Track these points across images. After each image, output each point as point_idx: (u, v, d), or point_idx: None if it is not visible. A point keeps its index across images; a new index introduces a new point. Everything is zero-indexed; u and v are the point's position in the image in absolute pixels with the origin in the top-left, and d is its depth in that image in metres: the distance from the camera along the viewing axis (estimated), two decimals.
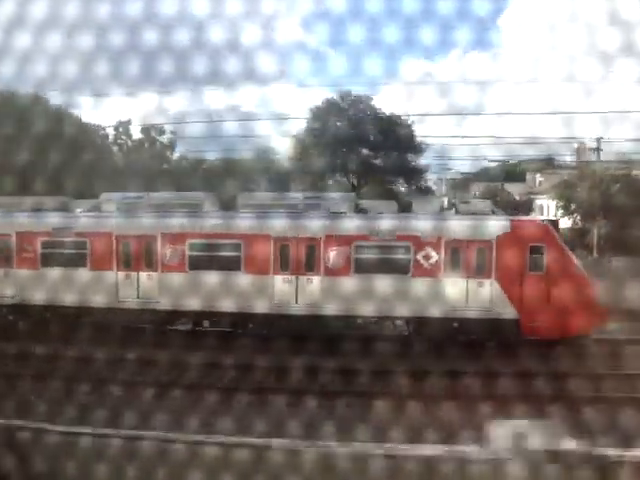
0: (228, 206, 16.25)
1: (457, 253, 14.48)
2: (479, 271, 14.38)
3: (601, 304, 14.40)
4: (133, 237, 15.45)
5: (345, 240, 14.74)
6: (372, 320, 15.33)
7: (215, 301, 14.68)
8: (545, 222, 15.62)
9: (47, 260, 15.59)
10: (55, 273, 15.31)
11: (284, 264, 14.88)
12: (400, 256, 14.64)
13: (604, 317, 14.45)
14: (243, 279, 14.84)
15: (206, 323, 15.56)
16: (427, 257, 14.51)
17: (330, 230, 14.84)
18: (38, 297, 15.17)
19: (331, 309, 14.61)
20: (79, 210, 16.38)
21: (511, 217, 15.52)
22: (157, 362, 12.84)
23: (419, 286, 14.35)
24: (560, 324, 13.60)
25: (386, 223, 14.78)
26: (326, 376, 12.34)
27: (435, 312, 14.21)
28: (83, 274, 15.33)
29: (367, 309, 14.46)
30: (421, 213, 15.33)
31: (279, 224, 15.05)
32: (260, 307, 14.73)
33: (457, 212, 15.41)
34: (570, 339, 13.93)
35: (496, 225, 14.61)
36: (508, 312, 14.21)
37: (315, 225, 14.89)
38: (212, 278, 14.74)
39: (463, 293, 14.37)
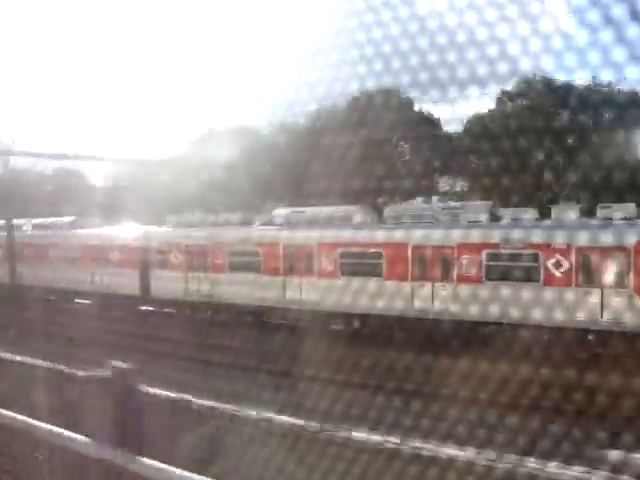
0: (376, 218, 18.08)
1: (588, 261, 14.33)
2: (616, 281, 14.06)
3: None
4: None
5: (476, 248, 15.55)
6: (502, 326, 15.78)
7: None
8: None
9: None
10: None
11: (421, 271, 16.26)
12: (529, 264, 14.96)
13: None
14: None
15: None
16: (557, 265, 14.63)
17: (464, 238, 15.75)
18: None
19: (462, 314, 15.56)
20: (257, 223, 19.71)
21: None
22: None
23: (551, 295, 14.56)
24: None
25: (517, 232, 15.20)
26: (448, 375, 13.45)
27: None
28: None
29: (498, 315, 15.10)
30: (559, 220, 15.37)
31: (419, 234, 16.41)
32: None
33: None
34: None
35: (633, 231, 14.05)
36: None
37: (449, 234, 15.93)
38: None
39: (597, 304, 14.20)
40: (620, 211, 14.85)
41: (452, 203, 16.99)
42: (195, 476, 3.51)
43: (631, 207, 14.98)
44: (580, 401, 11.59)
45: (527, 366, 12.94)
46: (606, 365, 13.49)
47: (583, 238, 14.46)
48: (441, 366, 13.33)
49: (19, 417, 4.84)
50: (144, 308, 21.52)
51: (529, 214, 15.98)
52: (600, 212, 15.07)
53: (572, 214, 15.43)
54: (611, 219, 14.64)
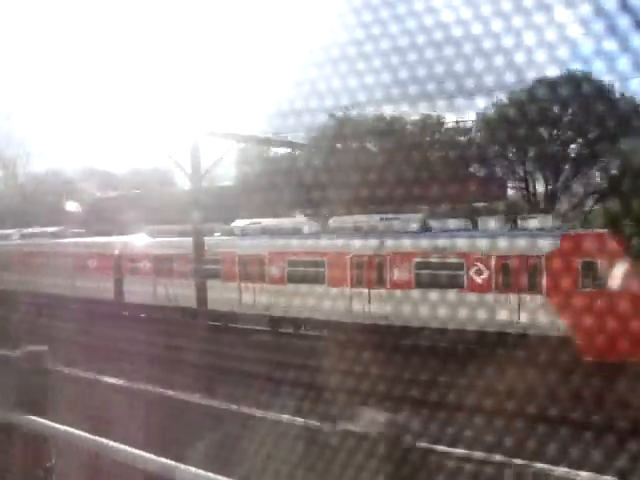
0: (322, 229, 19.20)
1: (506, 268, 15.27)
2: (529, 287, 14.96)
3: None
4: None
5: (407, 257, 16.57)
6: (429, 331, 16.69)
7: None
8: (601, 234, 15.25)
9: None
10: None
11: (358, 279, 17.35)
12: (454, 272, 15.94)
13: None
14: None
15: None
16: (478, 272, 15.59)
17: (396, 248, 16.80)
18: None
19: (396, 319, 16.59)
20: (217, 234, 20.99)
21: (565, 232, 15.41)
22: None
23: (473, 300, 15.51)
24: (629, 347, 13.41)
25: (443, 241, 16.20)
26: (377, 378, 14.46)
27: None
28: None
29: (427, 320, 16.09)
30: (482, 230, 16.34)
31: (357, 244, 17.52)
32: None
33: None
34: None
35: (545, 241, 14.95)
36: (561, 329, 14.52)
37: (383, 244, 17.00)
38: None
39: (515, 308, 15.12)
40: (537, 222, 15.78)
41: (389, 215, 17.99)
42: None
43: (547, 218, 15.90)
44: (499, 399, 12.58)
45: (453, 367, 13.99)
46: (523, 365, 14.38)
47: (502, 247, 15.42)
48: (372, 367, 14.41)
49: None
50: (118, 312, 22.87)
51: (459, 224, 16.96)
52: (520, 223, 16.01)
53: (495, 224, 16.39)
54: (528, 229, 15.59)
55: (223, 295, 19.42)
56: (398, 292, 16.63)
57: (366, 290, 17.14)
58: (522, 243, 15.14)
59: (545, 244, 14.88)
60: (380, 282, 16.97)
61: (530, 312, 14.97)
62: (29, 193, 40.32)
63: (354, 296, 17.34)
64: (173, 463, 3.12)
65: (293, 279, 18.45)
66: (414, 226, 17.16)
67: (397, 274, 16.72)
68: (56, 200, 40.54)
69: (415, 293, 16.37)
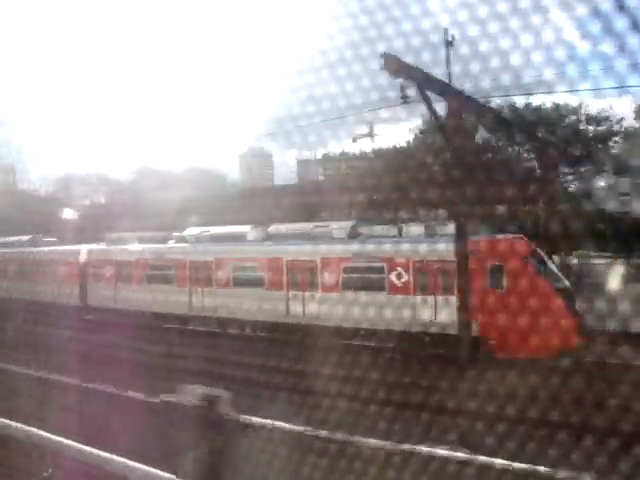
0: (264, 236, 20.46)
1: (424, 272, 16.50)
2: (444, 289, 16.18)
3: (577, 323, 14.96)
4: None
5: (335, 262, 17.83)
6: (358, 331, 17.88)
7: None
8: (513, 239, 16.45)
9: None
10: None
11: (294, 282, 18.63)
12: (377, 275, 17.17)
13: (581, 338, 14.83)
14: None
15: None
16: (399, 276, 16.83)
17: (326, 253, 18.06)
18: None
19: (327, 320, 17.81)
20: (172, 241, 22.31)
21: (479, 237, 16.54)
22: None
23: (395, 302, 16.74)
24: (524, 344, 14.63)
25: (367, 247, 17.45)
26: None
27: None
28: None
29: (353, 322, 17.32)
30: (404, 237, 17.59)
31: (291, 250, 18.80)
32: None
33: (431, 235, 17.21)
34: (541, 359, 14.68)
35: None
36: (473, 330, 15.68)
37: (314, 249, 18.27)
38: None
39: (431, 310, 16.35)
40: (449, 228, 16.99)
41: (322, 222, 19.26)
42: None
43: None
44: (419, 397, 13.74)
45: (379, 366, 15.19)
46: (442, 363, 15.54)
47: (419, 252, 16.64)
48: (306, 366, 15.64)
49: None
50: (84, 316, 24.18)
51: (386, 231, 18.19)
52: (438, 229, 17.22)
53: (417, 231, 17.61)
54: (444, 235, 16.79)
55: (176, 298, 20.77)
56: (328, 295, 17.88)
57: (301, 293, 18.40)
58: (436, 248, 16.37)
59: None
60: (312, 285, 18.23)
61: (445, 312, 16.20)
62: (30, 199, 41.55)
63: (290, 299, 18.60)
64: (172, 477, 3.10)
65: (237, 283, 19.74)
66: (343, 233, 18.41)
67: (327, 278, 17.99)
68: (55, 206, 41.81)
69: (343, 295, 17.62)
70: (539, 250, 16.48)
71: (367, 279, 17.32)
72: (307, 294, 18.30)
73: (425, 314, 16.44)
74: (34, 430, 4.19)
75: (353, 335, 17.40)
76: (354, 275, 17.57)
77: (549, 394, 12.28)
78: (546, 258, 16.44)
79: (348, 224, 18.85)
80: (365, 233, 18.34)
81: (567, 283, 16.03)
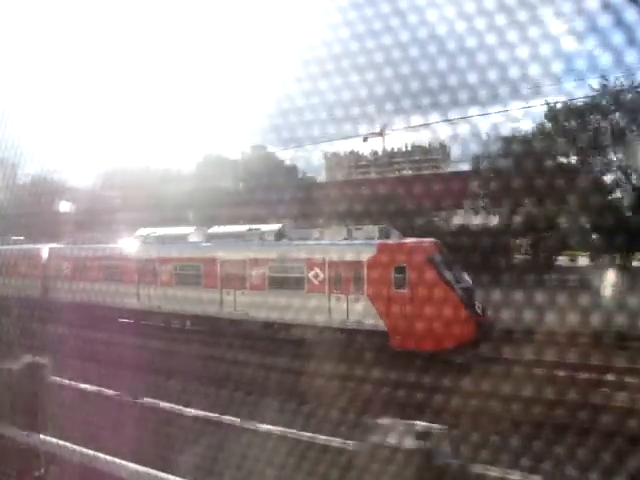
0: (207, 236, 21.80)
1: (338, 273, 17.74)
2: (355, 288, 17.42)
3: (474, 320, 16.17)
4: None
5: (262, 262, 19.13)
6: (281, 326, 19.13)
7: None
8: (413, 243, 17.64)
9: None
10: None
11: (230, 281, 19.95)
12: (297, 275, 18.44)
13: (476, 332, 16.07)
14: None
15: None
16: (316, 276, 18.08)
17: (255, 254, 19.36)
18: None
19: (255, 316, 19.14)
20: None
21: (381, 241, 17.74)
22: None
23: (312, 299, 18.00)
24: (425, 338, 15.89)
25: (289, 249, 18.74)
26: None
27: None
28: None
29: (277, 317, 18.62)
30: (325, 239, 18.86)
31: (224, 250, 20.14)
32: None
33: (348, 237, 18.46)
34: (443, 352, 15.94)
35: (370, 247, 17.40)
36: (379, 325, 16.98)
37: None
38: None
39: (344, 307, 17.61)
40: (364, 232, 18.25)
41: (254, 225, 20.55)
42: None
43: (373, 229, 18.35)
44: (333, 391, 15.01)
45: (295, 357, 16.49)
46: (354, 359, 16.79)
47: (333, 254, 17.89)
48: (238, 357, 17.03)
49: None
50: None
51: (309, 234, 19.45)
52: (354, 233, 18.47)
53: (337, 234, 18.85)
54: (358, 239, 18.03)
55: (126, 293, 22.19)
56: (255, 292, 19.20)
57: (232, 291, 19.72)
58: (349, 251, 17.62)
59: (366, 252, 17.34)
60: (242, 284, 19.55)
61: (356, 309, 17.45)
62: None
63: (223, 296, 19.93)
64: (161, 474, 3.23)
65: (178, 281, 21.10)
66: (272, 235, 19.70)
67: (254, 277, 19.29)
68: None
69: (268, 293, 18.92)
70: (445, 252, 17.69)
71: (288, 278, 18.60)
72: (237, 292, 19.63)
73: (338, 310, 17.69)
74: (26, 432, 4.42)
75: (278, 329, 18.75)
76: (277, 274, 18.86)
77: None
78: (451, 259, 17.59)
79: (276, 227, 20.13)
80: (290, 236, 19.59)
81: (470, 283, 17.18)
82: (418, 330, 15.90)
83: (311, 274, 18.15)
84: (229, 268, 19.90)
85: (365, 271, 17.25)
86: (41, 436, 4.24)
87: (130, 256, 22.42)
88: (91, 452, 3.92)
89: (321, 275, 18.00)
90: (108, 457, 3.84)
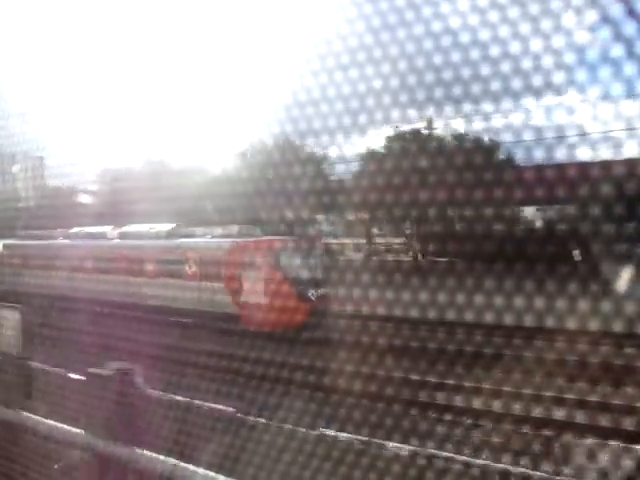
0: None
1: (203, 265, 21.49)
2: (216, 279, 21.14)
3: (305, 305, 19.69)
4: None
5: (153, 255, 23.05)
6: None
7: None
8: (259, 241, 21.20)
9: None
10: None
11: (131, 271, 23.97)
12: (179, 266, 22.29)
13: (306, 315, 19.57)
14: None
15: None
16: (190, 267, 21.88)
17: (149, 249, 23.32)
18: None
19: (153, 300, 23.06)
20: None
21: (235, 239, 21.38)
22: None
23: (188, 287, 21.80)
24: (267, 320, 19.49)
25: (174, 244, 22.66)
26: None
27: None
28: None
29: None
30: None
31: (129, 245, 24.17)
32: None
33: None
34: (282, 331, 19.47)
35: (225, 245, 21.09)
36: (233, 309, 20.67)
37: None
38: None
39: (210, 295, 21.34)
40: (228, 231, 21.96)
41: (154, 224, 24.51)
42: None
43: (235, 229, 22.03)
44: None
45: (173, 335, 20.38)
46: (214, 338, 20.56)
47: (202, 250, 21.65)
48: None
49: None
50: None
51: (193, 232, 23.26)
52: (223, 230, 22.24)
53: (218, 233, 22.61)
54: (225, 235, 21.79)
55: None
56: (149, 280, 23.14)
57: (133, 278, 23.72)
58: (213, 248, 21.39)
59: (224, 249, 21.04)
60: (141, 273, 23.51)
61: (218, 296, 21.15)
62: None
63: (129, 282, 23.94)
64: (174, 461, 3.33)
65: (97, 271, 25.25)
66: (164, 233, 23.62)
67: (149, 267, 23.23)
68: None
69: (160, 281, 22.81)
70: (295, 248, 21.23)
71: (172, 269, 22.47)
72: (138, 279, 23.62)
73: (205, 296, 21.44)
74: (46, 420, 4.48)
75: (165, 312, 22.67)
76: (164, 266, 22.77)
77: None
78: (299, 255, 21.09)
79: (170, 226, 24.01)
80: (178, 233, 23.47)
81: (306, 274, 20.65)
82: (260, 314, 19.51)
83: (186, 266, 21.97)
84: (133, 261, 23.93)
85: (223, 265, 20.93)
86: (136, 449, 4.04)
87: (59, 252, 26.72)
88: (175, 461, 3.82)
89: (194, 267, 21.79)
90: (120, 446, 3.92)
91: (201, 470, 3.69)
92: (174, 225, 24.23)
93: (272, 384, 13.88)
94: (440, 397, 13.59)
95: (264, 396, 13.59)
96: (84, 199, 32.03)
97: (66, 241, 27.36)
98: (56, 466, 4.67)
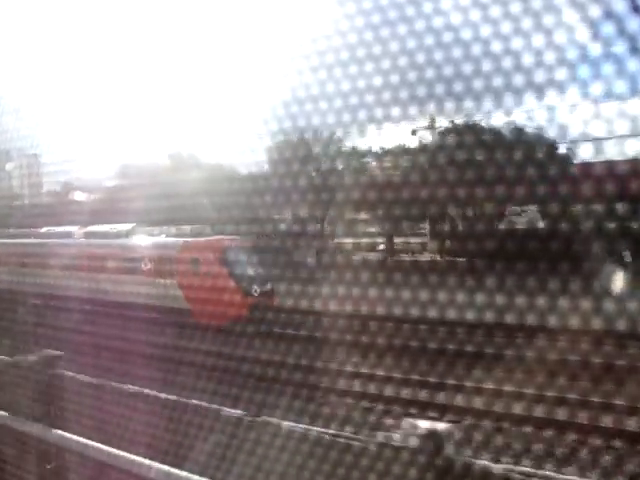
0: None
1: (157, 262, 23.21)
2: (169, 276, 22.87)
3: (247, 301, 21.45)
4: None
5: (115, 254, 24.77)
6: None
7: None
8: (207, 241, 22.93)
9: None
10: None
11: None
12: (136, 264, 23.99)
13: (250, 311, 21.35)
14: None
15: None
16: (146, 265, 23.59)
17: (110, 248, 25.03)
18: None
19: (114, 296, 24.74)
20: None
21: (188, 239, 23.11)
22: None
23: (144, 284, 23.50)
24: (213, 314, 21.25)
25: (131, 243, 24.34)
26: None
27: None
28: None
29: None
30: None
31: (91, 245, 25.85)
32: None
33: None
34: (229, 325, 21.27)
35: (177, 244, 22.83)
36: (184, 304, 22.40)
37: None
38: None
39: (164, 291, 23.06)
40: (181, 231, 23.66)
41: (116, 224, 26.24)
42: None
43: (187, 229, 23.73)
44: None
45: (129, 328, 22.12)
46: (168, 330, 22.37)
47: (158, 246, 23.38)
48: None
49: None
50: None
51: (150, 232, 24.96)
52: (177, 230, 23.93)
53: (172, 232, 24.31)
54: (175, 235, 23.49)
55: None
56: (108, 276, 24.84)
57: (96, 275, 25.42)
58: (168, 244, 23.14)
59: (175, 248, 22.76)
60: (103, 269, 25.20)
61: (171, 293, 22.87)
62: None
63: (88, 279, 25.62)
64: (167, 468, 3.44)
65: (62, 268, 26.89)
66: (124, 233, 25.33)
67: (110, 264, 24.91)
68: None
69: (119, 277, 24.50)
70: (242, 247, 22.95)
71: (129, 267, 24.18)
72: (99, 276, 25.32)
73: (161, 293, 23.14)
74: (38, 425, 4.56)
75: (123, 306, 24.38)
76: (122, 264, 24.47)
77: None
78: (243, 253, 22.83)
79: (130, 226, 25.70)
80: (136, 233, 25.19)
81: (250, 271, 22.38)
82: (207, 309, 21.24)
83: (142, 264, 23.67)
84: (95, 258, 25.62)
85: (174, 263, 22.65)
86: (53, 430, 4.26)
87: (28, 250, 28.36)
88: (98, 445, 4.02)
89: (149, 265, 23.49)
90: (116, 451, 4.01)
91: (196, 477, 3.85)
92: (134, 225, 25.92)
93: (209, 372, 15.63)
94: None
95: (199, 382, 15.34)
96: (57, 200, 33.49)
97: (35, 240, 29.00)
98: None
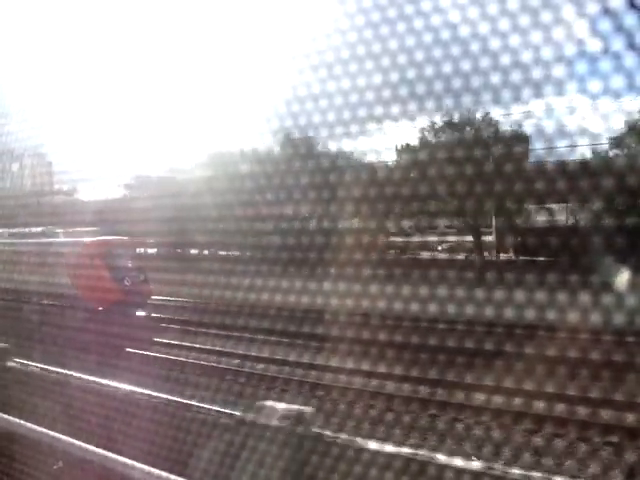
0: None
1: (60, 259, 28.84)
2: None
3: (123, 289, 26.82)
4: None
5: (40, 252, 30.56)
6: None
7: None
8: (92, 241, 28.37)
9: None
10: None
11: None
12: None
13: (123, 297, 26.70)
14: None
15: None
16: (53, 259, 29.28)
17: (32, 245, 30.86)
18: None
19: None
20: None
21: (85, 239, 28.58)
22: None
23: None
24: (94, 298, 26.77)
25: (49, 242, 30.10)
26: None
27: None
28: None
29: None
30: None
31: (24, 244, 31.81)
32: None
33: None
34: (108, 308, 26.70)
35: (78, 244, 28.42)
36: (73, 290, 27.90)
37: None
38: None
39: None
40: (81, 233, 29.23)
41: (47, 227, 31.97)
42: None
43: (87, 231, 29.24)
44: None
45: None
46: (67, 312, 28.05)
47: (68, 245, 29.03)
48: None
49: None
50: None
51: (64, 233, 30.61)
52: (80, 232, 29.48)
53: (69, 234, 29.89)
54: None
55: None
56: (35, 269, 30.63)
57: (20, 269, 31.31)
58: (68, 243, 28.84)
59: (71, 246, 28.40)
60: (28, 264, 31.05)
61: (70, 281, 28.49)
62: None
63: (16, 272, 31.50)
64: (161, 473, 3.48)
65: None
66: (44, 232, 31.14)
67: (32, 260, 30.74)
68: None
69: (42, 271, 30.27)
70: (121, 246, 28.35)
71: (41, 262, 29.98)
72: (22, 269, 31.16)
73: (63, 283, 28.81)
74: (44, 430, 4.89)
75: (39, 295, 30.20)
76: (37, 259, 30.28)
77: None
78: (124, 251, 28.22)
79: (41, 228, 31.55)
80: (46, 234, 30.97)
81: (129, 264, 27.73)
82: (91, 295, 26.83)
83: (49, 259, 29.42)
84: (23, 255, 31.57)
85: (70, 258, 28.26)
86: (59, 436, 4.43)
87: None
88: (45, 430, 4.15)
89: (62, 259, 29.19)
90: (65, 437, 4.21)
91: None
92: (45, 227, 31.76)
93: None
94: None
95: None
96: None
97: None
98: None
